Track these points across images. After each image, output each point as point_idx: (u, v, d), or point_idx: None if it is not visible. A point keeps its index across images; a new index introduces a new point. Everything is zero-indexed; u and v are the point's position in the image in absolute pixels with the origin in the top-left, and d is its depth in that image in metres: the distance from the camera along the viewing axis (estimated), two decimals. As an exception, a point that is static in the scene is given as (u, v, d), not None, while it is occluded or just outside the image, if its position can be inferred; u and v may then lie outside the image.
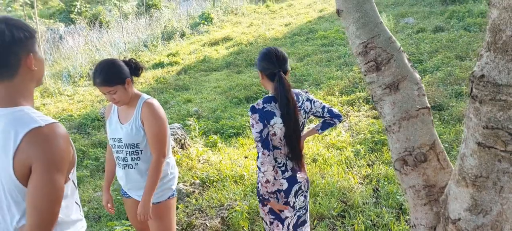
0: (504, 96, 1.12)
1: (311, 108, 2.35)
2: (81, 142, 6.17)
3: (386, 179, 3.89)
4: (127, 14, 17.14)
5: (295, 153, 2.27)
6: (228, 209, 3.69)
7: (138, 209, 2.30)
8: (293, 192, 2.31)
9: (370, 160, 4.42)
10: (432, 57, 7.66)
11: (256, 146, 2.22)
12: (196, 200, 3.96)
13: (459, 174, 1.31)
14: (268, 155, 2.16)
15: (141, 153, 2.35)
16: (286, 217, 2.34)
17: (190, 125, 5.64)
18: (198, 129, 5.65)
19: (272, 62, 2.21)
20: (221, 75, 9.47)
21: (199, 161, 4.85)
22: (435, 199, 1.59)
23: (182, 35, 14.40)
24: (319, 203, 3.57)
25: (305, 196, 2.38)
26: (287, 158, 2.28)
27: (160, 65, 11.08)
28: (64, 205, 1.41)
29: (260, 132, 2.17)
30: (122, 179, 2.47)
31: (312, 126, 2.58)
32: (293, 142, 2.24)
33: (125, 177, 2.43)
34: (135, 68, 2.39)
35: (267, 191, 2.23)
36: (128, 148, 2.34)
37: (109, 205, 2.60)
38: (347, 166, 4.34)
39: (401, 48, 1.70)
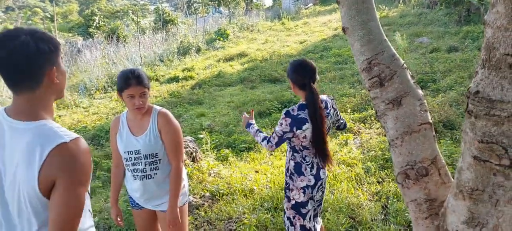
0: (497, 111, 1.16)
1: (334, 116, 2.69)
2: (94, 153, 6.30)
3: (395, 196, 3.88)
4: (144, 29, 17.53)
5: (321, 152, 2.55)
6: (236, 222, 3.73)
7: (168, 216, 2.39)
8: (316, 187, 2.60)
9: (380, 177, 4.42)
10: (445, 77, 7.64)
11: (271, 136, 2.57)
12: (205, 212, 4.01)
13: (457, 187, 1.35)
14: (273, 148, 2.58)
15: (160, 162, 2.42)
16: (308, 211, 2.61)
17: (202, 138, 5.73)
18: (210, 142, 5.73)
19: (301, 74, 2.50)
20: (235, 91, 9.58)
21: (210, 174, 4.91)
22: (436, 213, 1.62)
23: (198, 50, 14.65)
24: (328, 219, 3.59)
25: (322, 191, 2.68)
26: (314, 157, 2.56)
27: (175, 79, 11.27)
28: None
29: (284, 133, 2.49)
30: (138, 191, 2.49)
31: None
32: (320, 143, 2.51)
33: (143, 188, 2.46)
34: None
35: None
36: (147, 159, 2.40)
37: (118, 218, 2.62)
38: (357, 183, 4.35)
39: (405, 65, 1.75)
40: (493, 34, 1.17)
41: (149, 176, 2.42)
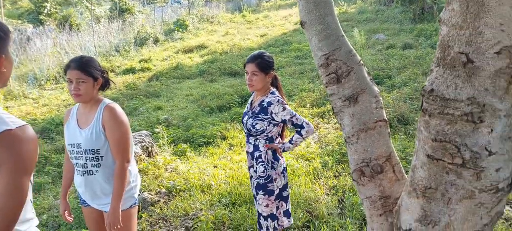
0: (451, 110, 1.16)
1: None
2: (43, 147, 5.96)
3: (351, 190, 3.94)
4: (99, 18, 16.82)
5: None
6: (193, 219, 3.64)
7: (107, 218, 2.26)
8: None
9: (337, 171, 4.47)
10: (400, 73, 7.87)
11: (297, 118, 2.57)
12: (161, 209, 3.89)
13: (410, 185, 1.35)
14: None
15: (102, 159, 2.29)
16: (288, 193, 2.74)
17: (159, 132, 5.56)
18: (167, 137, 5.57)
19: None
20: (194, 84, 9.40)
21: (166, 170, 4.77)
22: (390, 210, 1.62)
23: (156, 41, 14.24)
24: (285, 214, 3.58)
25: None
26: None
27: (131, 71, 10.90)
28: None
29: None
30: (81, 187, 2.39)
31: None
32: None
33: (84, 185, 2.35)
34: (105, 82, 2.36)
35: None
36: (88, 154, 2.28)
37: (66, 213, 2.53)
38: (314, 177, 4.38)
39: (361, 61, 1.74)
40: (448, 32, 1.16)
41: (90, 172, 2.30)
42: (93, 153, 2.27)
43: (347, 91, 1.67)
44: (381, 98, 1.71)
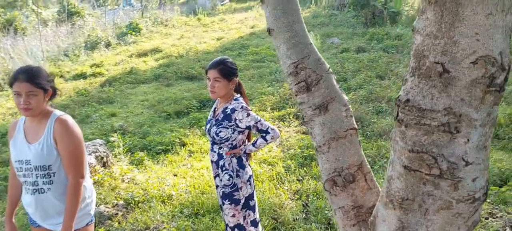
0: (428, 120, 1.14)
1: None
2: (-13, 160, 5.51)
3: (315, 194, 3.95)
4: (47, 21, 15.93)
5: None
6: (154, 232, 3.49)
7: None
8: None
9: (300, 175, 4.47)
10: (355, 76, 8.07)
11: (262, 124, 2.53)
12: (119, 223, 3.69)
13: (387, 196, 1.33)
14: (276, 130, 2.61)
15: (54, 176, 2.12)
16: (255, 202, 2.65)
17: (114, 141, 5.30)
18: (123, 145, 5.33)
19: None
20: (149, 88, 9.11)
21: (123, 180, 4.56)
22: (363, 220, 1.60)
23: (108, 45, 13.68)
24: (250, 222, 3.51)
25: None
26: None
27: (82, 76, 10.39)
28: None
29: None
30: (31, 206, 2.19)
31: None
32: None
33: (35, 204, 2.16)
34: (53, 91, 2.19)
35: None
36: (38, 171, 2.10)
37: None
38: (278, 182, 4.35)
39: (330, 69, 1.71)
40: (423, 42, 1.15)
41: (42, 190, 2.12)
42: (44, 169, 2.10)
43: (317, 100, 1.64)
44: (350, 106, 1.70)
